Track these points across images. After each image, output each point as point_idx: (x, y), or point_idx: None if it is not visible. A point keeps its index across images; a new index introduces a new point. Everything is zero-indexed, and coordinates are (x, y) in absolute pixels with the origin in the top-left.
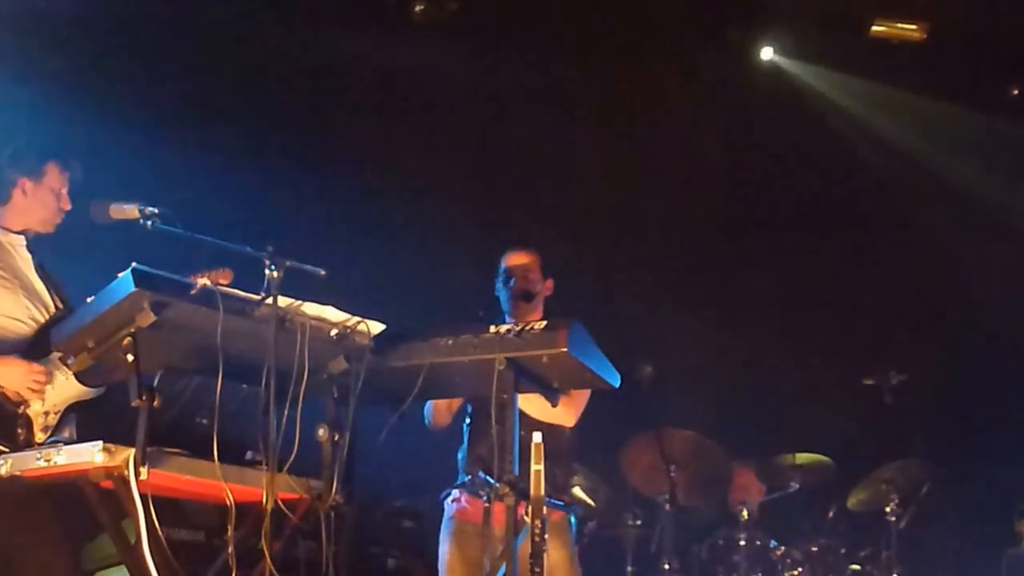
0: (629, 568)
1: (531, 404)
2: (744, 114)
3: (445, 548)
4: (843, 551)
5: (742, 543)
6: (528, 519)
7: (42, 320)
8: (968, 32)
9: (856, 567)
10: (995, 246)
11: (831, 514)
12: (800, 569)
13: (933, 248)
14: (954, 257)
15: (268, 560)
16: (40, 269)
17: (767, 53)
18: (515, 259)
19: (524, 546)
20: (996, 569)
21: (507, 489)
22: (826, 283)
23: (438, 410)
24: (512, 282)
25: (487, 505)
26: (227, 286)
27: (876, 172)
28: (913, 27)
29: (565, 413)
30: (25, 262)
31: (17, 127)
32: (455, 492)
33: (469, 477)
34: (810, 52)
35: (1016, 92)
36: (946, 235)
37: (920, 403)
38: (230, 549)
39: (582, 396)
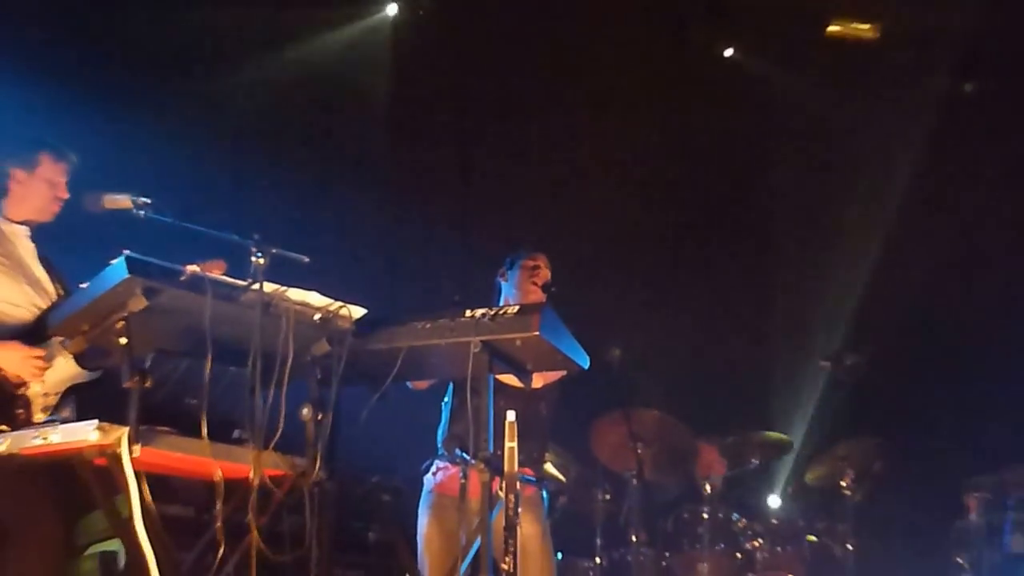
0: (598, 541)
1: (508, 382)
2: (705, 109)
3: (424, 521)
4: (801, 523)
5: (705, 516)
6: (503, 494)
7: (43, 307)
8: (918, 31)
9: (813, 538)
10: (939, 236)
11: (790, 489)
12: (760, 541)
13: (883, 238)
14: (902, 247)
15: (255, 534)
16: (43, 259)
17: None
18: (539, 259)
19: (499, 519)
20: (945, 539)
21: (482, 465)
22: (785, 272)
23: (418, 385)
24: (536, 277)
25: (464, 480)
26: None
27: (832, 167)
28: (867, 27)
29: (537, 380)
30: (28, 252)
31: (12, 120)
32: (434, 467)
33: (447, 454)
34: (770, 50)
35: (968, 89)
36: (896, 226)
37: (873, 384)
38: (219, 523)
39: (556, 376)
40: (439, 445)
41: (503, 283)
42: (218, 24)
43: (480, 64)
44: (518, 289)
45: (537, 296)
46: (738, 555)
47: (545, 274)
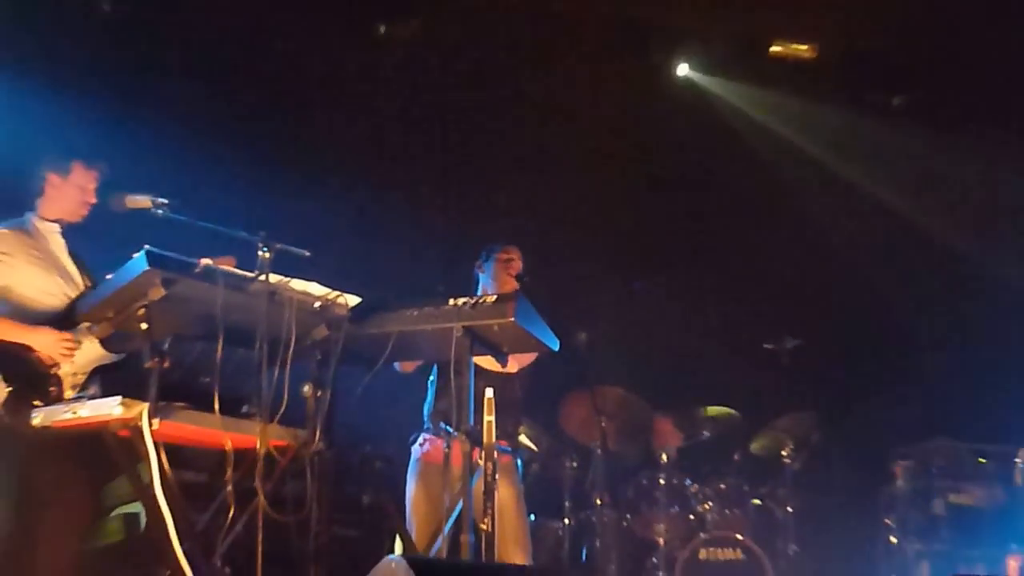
0: (566, 503)
1: (487, 363)
2: (663, 122)
3: (411, 486)
4: (746, 488)
5: (662, 482)
6: (482, 462)
7: (73, 296)
8: (853, 50)
9: (757, 501)
10: (873, 234)
11: (736, 457)
12: (710, 504)
13: (822, 237)
14: (834, 245)
15: (261, 497)
16: (72, 253)
17: (683, 69)
18: (512, 251)
19: (478, 485)
20: (875, 503)
21: (464, 437)
22: (734, 265)
23: (406, 370)
24: (510, 268)
25: (447, 450)
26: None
27: (775, 170)
28: (804, 47)
29: (514, 369)
30: (59, 247)
31: (50, 130)
32: (421, 439)
33: (433, 427)
34: (720, 68)
35: (896, 102)
36: (829, 227)
37: (811, 364)
38: (229, 488)
39: (529, 357)
40: (425, 419)
41: (480, 274)
42: (215, 35)
43: (467, 79)
44: (494, 280)
45: (511, 286)
46: (691, 517)
47: (518, 265)
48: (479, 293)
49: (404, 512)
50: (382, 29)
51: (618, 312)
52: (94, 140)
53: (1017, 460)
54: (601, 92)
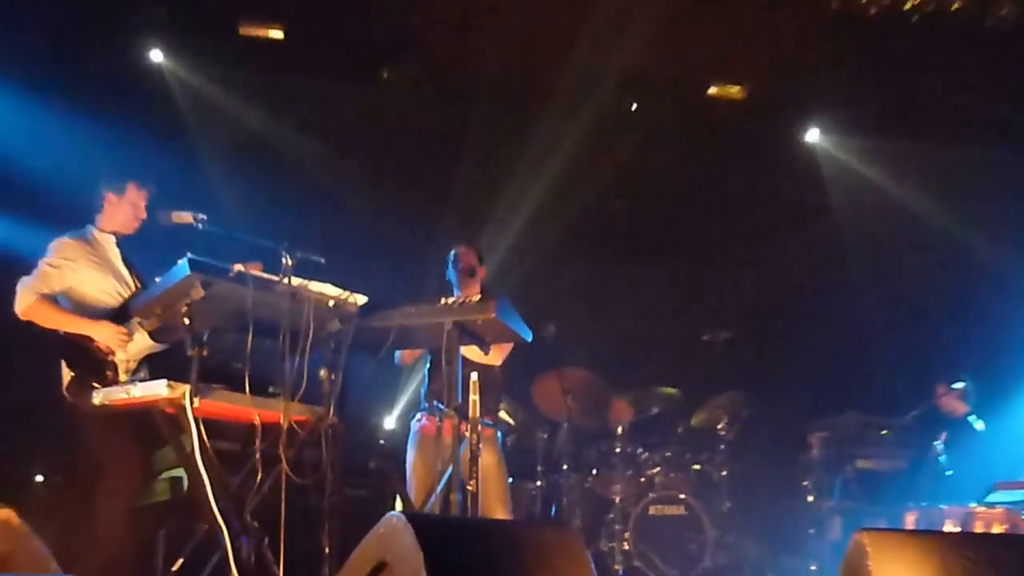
0: (539, 468)
1: (471, 352)
2: (625, 149)
3: (411, 454)
4: (688, 455)
5: (617, 450)
6: (468, 434)
7: (126, 295)
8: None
9: (697, 466)
10: (791, 245)
11: (680, 430)
12: (658, 468)
13: (751, 249)
14: (763, 253)
15: (284, 463)
16: (126, 260)
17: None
18: (461, 248)
19: (465, 452)
20: (795, 468)
21: (453, 413)
22: (680, 270)
23: (404, 356)
24: (459, 264)
25: (439, 424)
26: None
27: (706, 196)
28: (736, 89)
29: (495, 357)
30: (114, 254)
31: (107, 155)
32: (418, 414)
33: (427, 405)
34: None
35: (386, 75)
36: (754, 241)
37: (742, 352)
38: (257, 455)
39: (506, 346)
40: (421, 399)
41: (449, 274)
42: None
43: (459, 116)
44: (456, 281)
45: (466, 283)
46: (642, 479)
47: (468, 260)
48: (456, 291)
49: (404, 476)
50: (385, 74)
51: (582, 308)
52: (141, 162)
53: (907, 431)
54: (577, 128)
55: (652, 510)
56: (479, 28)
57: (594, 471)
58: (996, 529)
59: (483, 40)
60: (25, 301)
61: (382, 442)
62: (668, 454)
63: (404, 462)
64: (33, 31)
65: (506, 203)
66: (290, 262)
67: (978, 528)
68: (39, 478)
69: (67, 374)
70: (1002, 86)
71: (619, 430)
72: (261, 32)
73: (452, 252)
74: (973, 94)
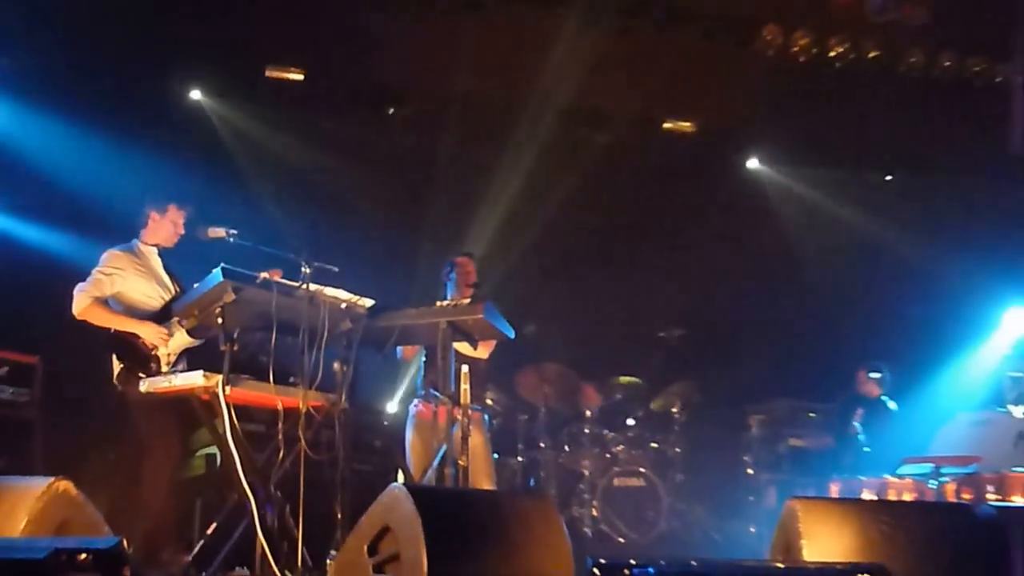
0: (520, 446)
1: (462, 347)
2: (593, 173)
3: (410, 435)
4: (647, 435)
5: (587, 431)
6: (459, 417)
7: (167, 299)
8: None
9: (654, 444)
10: (734, 256)
11: (640, 413)
12: (621, 446)
13: (701, 259)
14: (711, 263)
15: (303, 442)
16: (167, 269)
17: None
18: (467, 261)
19: (457, 433)
20: (736, 445)
21: (447, 399)
22: (639, 278)
23: (406, 352)
24: (460, 271)
25: (435, 409)
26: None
27: (671, 209)
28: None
29: (482, 351)
30: (157, 264)
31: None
32: (416, 400)
33: (424, 392)
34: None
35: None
36: (710, 250)
37: (693, 347)
38: (279, 436)
39: (492, 342)
40: (418, 387)
41: (447, 281)
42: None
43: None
44: (456, 285)
45: (467, 292)
46: (607, 455)
47: (472, 271)
48: (448, 295)
49: (404, 453)
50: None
51: (557, 309)
52: (184, 186)
53: (831, 414)
54: (549, 156)
55: (616, 482)
56: (465, 71)
57: (567, 448)
58: (906, 497)
59: (468, 84)
60: (81, 304)
61: (386, 424)
62: (630, 434)
63: (404, 441)
64: (93, 73)
65: (492, 220)
66: (308, 270)
67: (891, 496)
68: (95, 455)
69: (117, 366)
70: (911, 121)
71: (588, 414)
72: (284, 74)
73: (452, 260)
74: (885, 127)
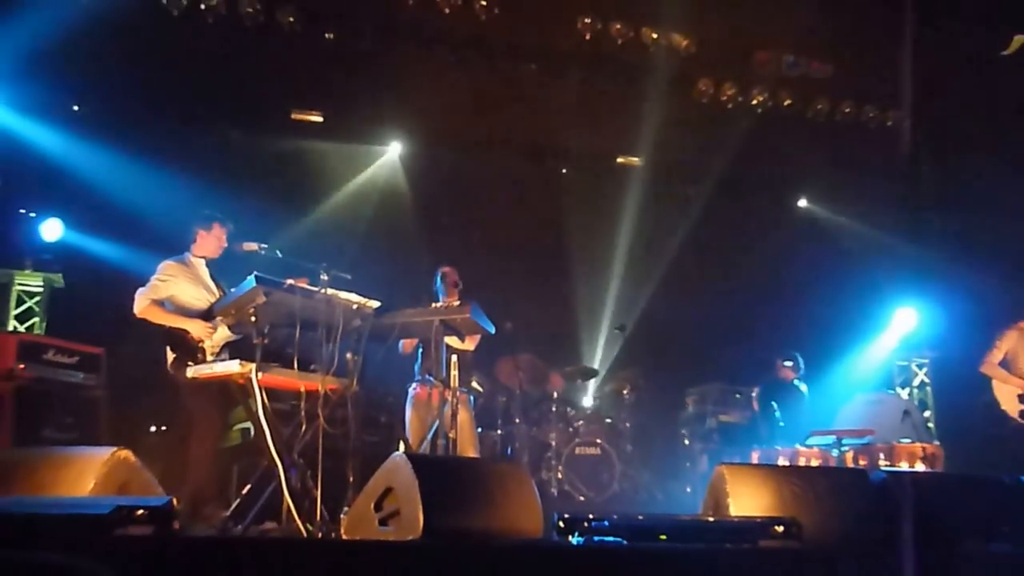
0: (499, 421)
1: (452, 340)
2: (554, 200)
3: (408, 412)
4: (602, 412)
5: (554, 409)
6: (449, 398)
7: (212, 301)
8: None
9: (608, 420)
10: (672, 267)
11: (596, 394)
12: (581, 421)
13: (642, 270)
14: (652, 272)
15: (321, 418)
16: (212, 276)
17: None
18: (452, 271)
19: (447, 411)
20: (675, 421)
21: (439, 383)
22: (595, 284)
23: (405, 344)
24: (448, 279)
25: (430, 391)
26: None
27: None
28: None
29: (469, 344)
30: (204, 272)
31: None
32: (414, 384)
33: (421, 377)
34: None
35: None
36: (652, 263)
37: (640, 340)
38: (302, 413)
39: (477, 336)
40: (416, 373)
41: (436, 286)
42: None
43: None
44: (444, 291)
45: (451, 292)
46: (570, 429)
47: (456, 279)
48: (440, 298)
49: (404, 427)
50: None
51: (530, 308)
52: (225, 208)
53: (752, 395)
54: (521, 190)
55: (577, 451)
56: (457, 115)
57: (537, 424)
58: (813, 463)
59: (456, 125)
60: (140, 305)
61: (390, 404)
62: (588, 412)
63: (404, 417)
64: (154, 118)
65: (476, 237)
66: (326, 277)
67: (801, 462)
68: (151, 428)
69: (170, 356)
70: (818, 156)
71: (555, 395)
72: (307, 116)
73: (440, 270)
74: (796, 160)
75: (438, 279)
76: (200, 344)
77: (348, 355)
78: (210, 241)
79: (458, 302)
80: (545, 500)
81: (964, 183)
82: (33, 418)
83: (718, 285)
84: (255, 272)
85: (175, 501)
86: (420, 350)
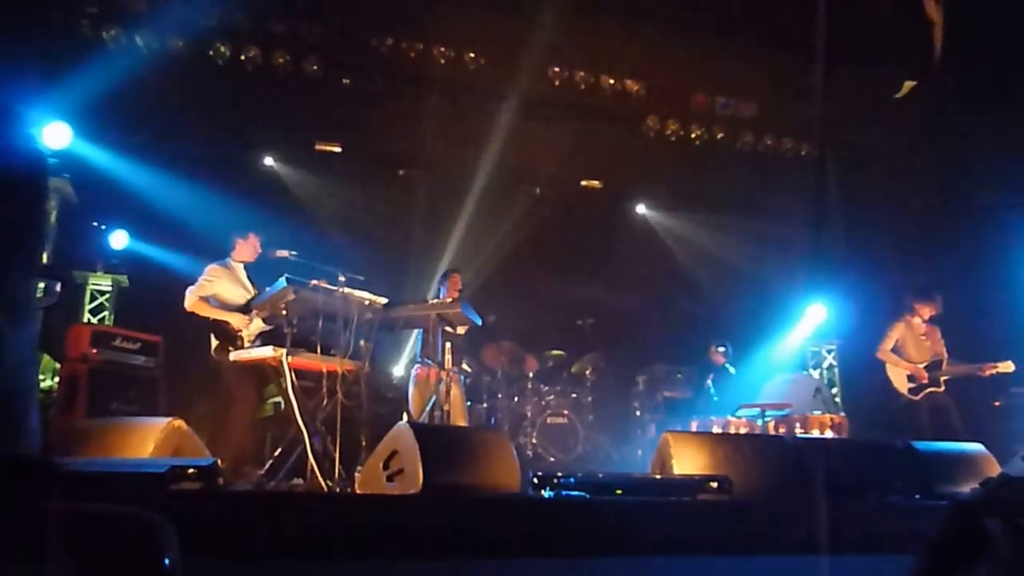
0: (484, 396)
1: (447, 329)
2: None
3: (411, 389)
4: (568, 388)
5: (529, 386)
6: (444, 377)
7: (249, 298)
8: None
9: (574, 395)
10: (633, 268)
11: (564, 374)
12: (552, 396)
13: (610, 276)
14: (617, 276)
15: (340, 393)
16: (249, 277)
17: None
18: (455, 274)
19: (443, 388)
20: (628, 396)
21: (436, 365)
22: (564, 284)
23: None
24: (451, 283)
25: (428, 371)
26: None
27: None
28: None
29: (460, 332)
30: (242, 274)
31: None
32: (416, 366)
33: (421, 360)
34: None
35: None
36: (619, 269)
37: (599, 330)
38: (324, 389)
39: (465, 327)
40: (417, 357)
41: (441, 286)
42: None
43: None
44: (447, 290)
45: (455, 294)
46: (542, 403)
47: (458, 281)
48: (440, 295)
49: (407, 400)
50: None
51: (509, 304)
52: (259, 220)
53: (691, 374)
54: (507, 207)
55: (548, 420)
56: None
57: (515, 398)
58: (742, 430)
59: (452, 153)
60: (190, 301)
61: (395, 382)
62: (558, 388)
63: (407, 393)
64: (201, 145)
65: (466, 243)
66: (343, 278)
67: (732, 430)
68: (198, 403)
69: (214, 343)
70: (745, 179)
71: (530, 375)
72: (328, 147)
73: (447, 273)
74: (727, 183)
75: (443, 279)
76: (239, 333)
77: (362, 342)
78: (246, 248)
79: (451, 299)
80: (522, 461)
81: (862, 207)
82: (103, 394)
83: (663, 285)
84: (286, 274)
85: (219, 462)
86: (420, 339)
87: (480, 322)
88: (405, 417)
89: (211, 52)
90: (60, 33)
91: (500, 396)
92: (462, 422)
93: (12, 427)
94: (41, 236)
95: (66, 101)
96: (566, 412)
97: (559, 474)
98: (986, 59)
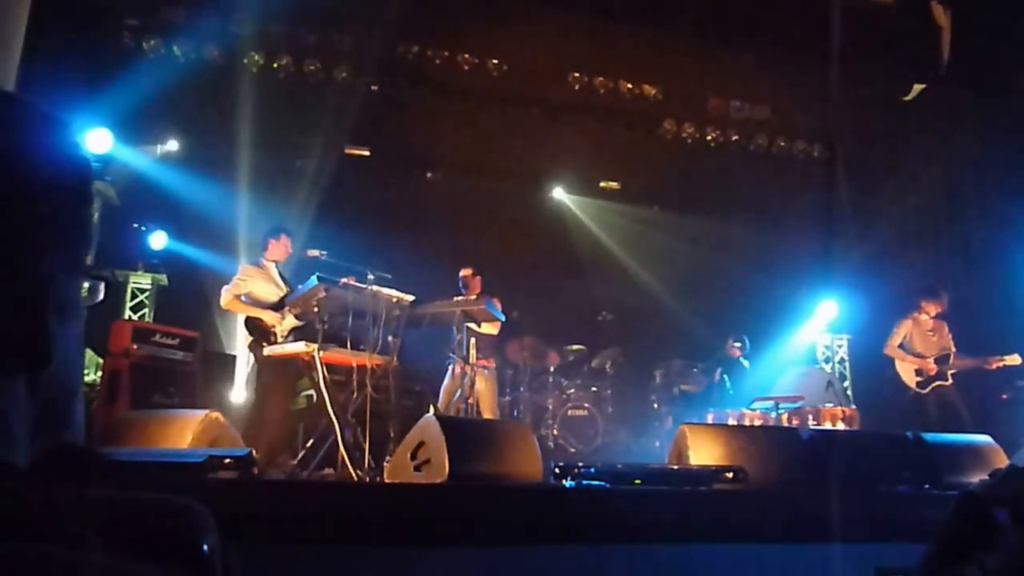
0: (507, 390)
1: (472, 326)
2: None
3: (446, 381)
4: (588, 382)
5: (551, 380)
6: (470, 371)
7: (281, 295)
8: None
9: (595, 388)
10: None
11: (585, 368)
12: (573, 389)
13: (619, 282)
14: (627, 274)
15: (369, 387)
16: (281, 275)
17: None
18: (477, 274)
19: (468, 379)
20: (647, 389)
21: (462, 360)
22: (589, 287)
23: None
24: (462, 279)
25: (457, 366)
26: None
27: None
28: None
29: (487, 328)
30: (275, 273)
31: (273, 217)
32: (449, 361)
33: (452, 355)
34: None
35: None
36: (631, 272)
37: (619, 326)
38: (354, 383)
39: (497, 323)
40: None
41: (464, 285)
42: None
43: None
44: (471, 289)
45: (472, 289)
46: (564, 396)
47: (479, 281)
48: (462, 293)
49: (436, 393)
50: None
51: (532, 301)
52: (291, 220)
53: (708, 368)
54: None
55: (569, 412)
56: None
57: (538, 391)
58: (756, 422)
59: (475, 157)
60: (225, 299)
61: (425, 375)
62: (578, 381)
63: (439, 387)
64: (237, 150)
65: (492, 244)
66: (372, 276)
67: (747, 422)
68: (234, 395)
69: (248, 338)
70: (759, 180)
71: (552, 369)
72: (356, 151)
73: (469, 272)
74: (744, 184)
75: (467, 278)
76: (272, 329)
77: (390, 338)
78: (279, 248)
79: (475, 296)
80: (544, 451)
81: (872, 206)
82: (145, 387)
83: (682, 283)
84: (317, 273)
85: (254, 452)
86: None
87: (504, 319)
88: (431, 409)
89: (245, 60)
90: (103, 44)
91: (523, 389)
92: (491, 415)
93: (59, 419)
94: (87, 238)
95: (108, 108)
96: (586, 405)
97: (580, 464)
98: (992, 61)
